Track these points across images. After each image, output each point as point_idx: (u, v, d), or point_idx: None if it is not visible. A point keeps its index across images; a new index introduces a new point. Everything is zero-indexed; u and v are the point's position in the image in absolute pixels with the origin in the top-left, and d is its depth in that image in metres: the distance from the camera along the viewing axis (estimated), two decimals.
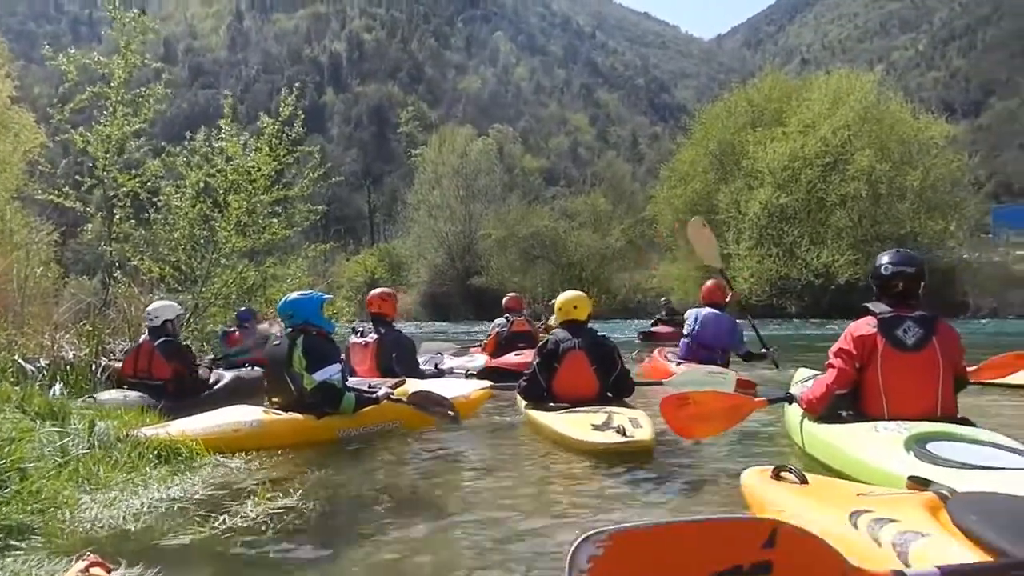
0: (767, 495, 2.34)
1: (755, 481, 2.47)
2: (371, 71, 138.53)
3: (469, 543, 2.87)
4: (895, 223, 29.41)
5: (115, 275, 10.70)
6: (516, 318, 9.62)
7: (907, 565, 1.63)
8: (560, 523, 3.09)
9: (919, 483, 2.12)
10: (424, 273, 49.04)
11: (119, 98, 9.98)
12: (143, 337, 6.66)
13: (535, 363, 5.31)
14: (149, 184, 10.60)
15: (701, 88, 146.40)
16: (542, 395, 5.22)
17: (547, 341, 5.37)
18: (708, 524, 1.39)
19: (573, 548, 1.29)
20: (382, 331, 6.67)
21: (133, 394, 5.99)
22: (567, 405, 4.99)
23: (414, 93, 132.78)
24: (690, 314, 8.07)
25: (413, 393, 5.21)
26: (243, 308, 10.59)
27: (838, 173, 29.88)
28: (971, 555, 1.57)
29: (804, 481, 2.32)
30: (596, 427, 4.38)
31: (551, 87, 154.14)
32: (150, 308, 6.80)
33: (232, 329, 9.88)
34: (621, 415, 4.57)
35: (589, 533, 1.29)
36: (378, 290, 7.23)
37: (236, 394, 6.12)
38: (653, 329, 16.96)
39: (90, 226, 11.25)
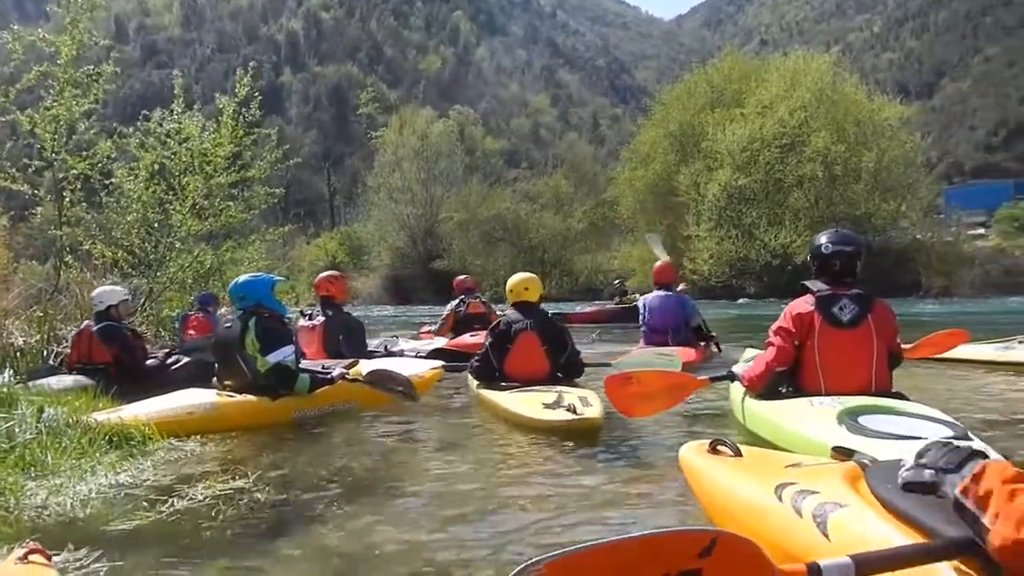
0: (704, 469, 2.39)
1: (692, 455, 2.52)
2: (329, 51, 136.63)
3: (424, 523, 2.89)
4: (850, 204, 29.92)
5: (67, 260, 10.45)
6: (471, 300, 9.70)
7: (826, 536, 1.69)
8: (514, 503, 3.12)
9: (843, 453, 2.19)
10: (386, 256, 48.76)
11: (67, 77, 9.70)
12: (86, 322, 6.70)
13: (487, 343, 5.40)
14: (100, 166, 10.34)
15: (661, 69, 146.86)
16: (494, 375, 5.31)
17: (499, 322, 5.46)
18: (647, 540, 1.38)
19: None
20: (330, 313, 6.68)
21: (70, 378, 6.00)
22: (518, 384, 5.08)
23: (373, 74, 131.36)
24: (640, 302, 8.26)
25: (370, 372, 5.25)
26: (204, 292, 10.40)
27: (795, 154, 30.27)
28: (885, 524, 1.63)
29: (739, 454, 2.37)
30: (547, 405, 4.46)
31: (512, 68, 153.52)
32: (94, 293, 6.86)
33: (192, 313, 9.70)
34: (571, 394, 4.65)
35: (525, 564, 1.30)
36: (326, 273, 7.25)
37: (191, 379, 6.07)
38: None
39: (40, 210, 10.96)
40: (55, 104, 9.70)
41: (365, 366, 5.59)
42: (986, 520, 1.32)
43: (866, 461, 1.99)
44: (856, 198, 29.97)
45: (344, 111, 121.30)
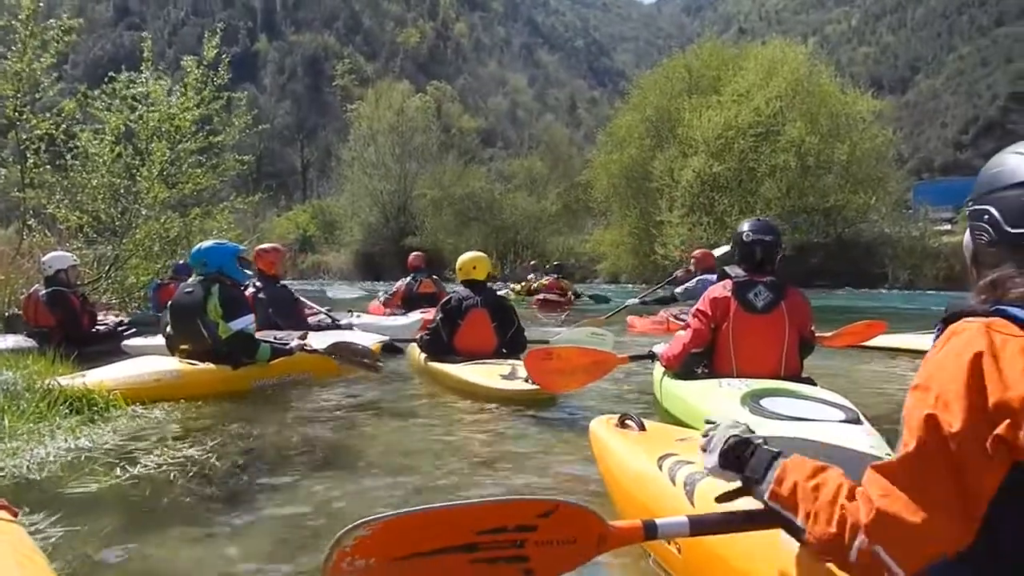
0: (606, 441, 2.52)
1: (600, 428, 2.63)
2: (306, 19, 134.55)
3: (380, 492, 2.89)
4: (821, 195, 30.21)
5: (30, 224, 10.24)
6: (423, 278, 9.88)
7: (691, 502, 1.82)
8: (474, 471, 3.18)
9: None
10: (358, 232, 48.30)
11: (29, 32, 9.42)
12: (35, 287, 6.98)
13: (438, 318, 5.57)
14: (64, 127, 10.09)
15: (640, 52, 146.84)
16: (443, 349, 5.47)
17: (450, 298, 5.64)
18: (486, 507, 1.47)
19: (342, 531, 1.33)
20: (260, 285, 6.68)
21: (11, 339, 6.27)
22: (465, 358, 5.26)
23: (350, 45, 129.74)
24: (697, 283, 8.76)
25: (333, 344, 5.35)
26: (181, 262, 10.21)
27: (769, 144, 30.41)
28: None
29: (643, 428, 2.50)
30: (504, 377, 4.69)
31: (491, 45, 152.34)
32: (44, 258, 7.08)
33: (166, 282, 9.54)
34: (523, 367, 4.78)
35: (361, 521, 1.34)
36: (260, 246, 7.23)
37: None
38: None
39: (3, 172, 10.68)
40: (17, 59, 9.44)
41: (314, 337, 5.71)
42: (799, 521, 1.31)
43: None
44: (827, 190, 30.25)
45: (319, 82, 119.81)
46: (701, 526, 1.51)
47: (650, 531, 1.49)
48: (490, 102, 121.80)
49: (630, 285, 28.17)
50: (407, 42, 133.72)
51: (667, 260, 29.75)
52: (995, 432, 1.08)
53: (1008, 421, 1.08)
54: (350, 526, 1.33)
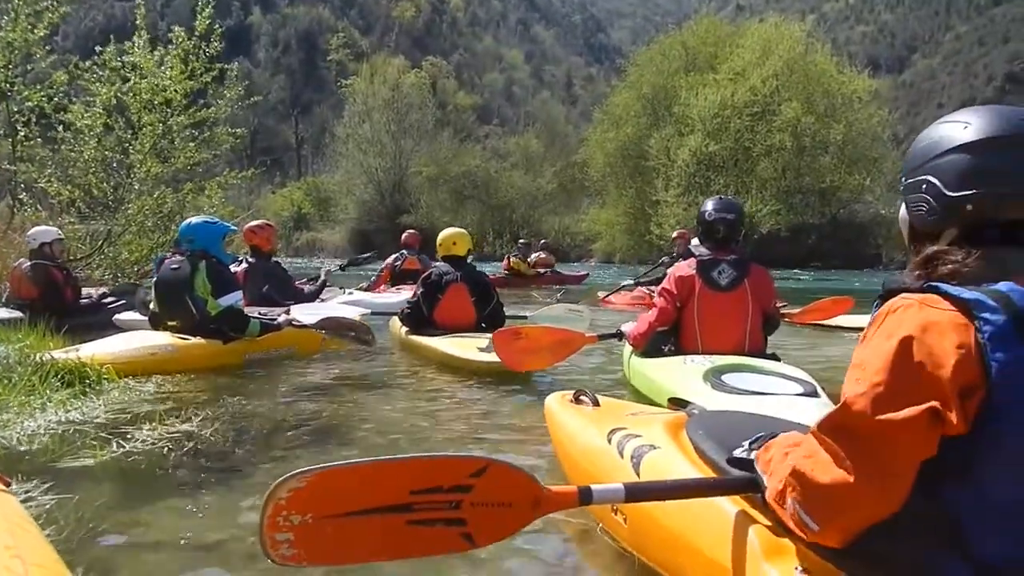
0: (561, 416, 2.56)
1: (555, 404, 2.67)
2: None
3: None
4: (817, 175, 30.20)
5: (21, 198, 10.16)
6: (410, 256, 10.04)
7: (638, 474, 1.86)
8: (450, 444, 3.25)
9: (677, 403, 2.39)
10: (352, 209, 48.06)
11: (21, 0, 9.30)
12: (20, 260, 7.04)
13: (419, 293, 5.66)
14: (56, 100, 9.98)
15: (637, 29, 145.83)
16: (424, 323, 5.57)
17: (431, 273, 5.71)
18: (417, 462, 1.48)
19: (275, 483, 1.33)
20: (252, 261, 6.72)
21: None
22: (445, 332, 5.38)
23: (345, 18, 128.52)
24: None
25: (324, 318, 5.37)
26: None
27: (765, 123, 30.34)
28: (689, 465, 1.79)
29: (596, 404, 2.53)
30: (482, 350, 4.74)
31: (487, 19, 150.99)
32: (29, 232, 7.14)
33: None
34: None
35: (295, 472, 1.33)
36: (252, 223, 7.23)
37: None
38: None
39: None
40: (8, 29, 9.32)
41: (296, 311, 5.74)
42: (765, 479, 1.43)
43: (695, 411, 2.14)
44: (823, 170, 30.24)
45: (313, 56, 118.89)
46: (636, 493, 1.55)
47: (585, 497, 1.52)
48: (486, 78, 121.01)
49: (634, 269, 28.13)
50: (402, 16, 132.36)
51: (662, 240, 29.74)
52: (924, 407, 1.11)
53: (938, 396, 1.11)
54: (283, 477, 1.32)
